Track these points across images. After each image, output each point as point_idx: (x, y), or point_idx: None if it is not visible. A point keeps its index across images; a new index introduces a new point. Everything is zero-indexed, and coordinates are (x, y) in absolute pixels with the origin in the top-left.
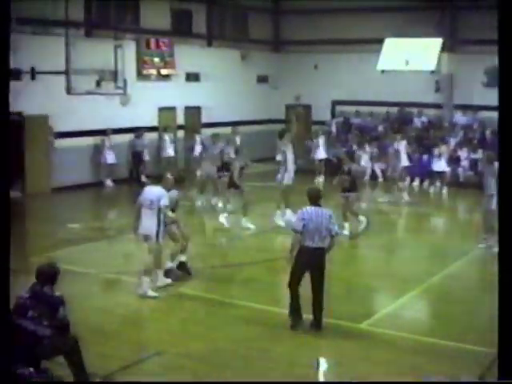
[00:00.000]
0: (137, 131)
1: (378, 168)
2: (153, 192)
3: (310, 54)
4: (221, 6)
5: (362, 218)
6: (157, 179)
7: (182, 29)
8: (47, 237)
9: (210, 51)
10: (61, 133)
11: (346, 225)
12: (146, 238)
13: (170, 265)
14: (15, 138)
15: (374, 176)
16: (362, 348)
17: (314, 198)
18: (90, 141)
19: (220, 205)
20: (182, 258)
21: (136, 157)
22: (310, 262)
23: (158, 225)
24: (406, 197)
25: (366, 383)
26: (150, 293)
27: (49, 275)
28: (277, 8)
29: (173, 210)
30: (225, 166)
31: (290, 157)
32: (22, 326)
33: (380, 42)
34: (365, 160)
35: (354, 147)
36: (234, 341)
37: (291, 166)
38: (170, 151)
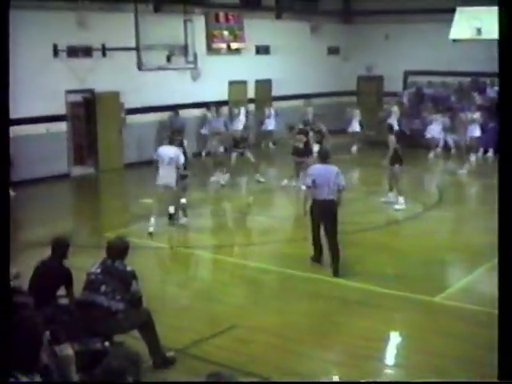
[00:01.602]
0: (174, 109)
1: (450, 139)
2: (170, 151)
3: (381, 24)
4: None
5: (402, 200)
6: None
7: (251, 2)
8: (121, 212)
9: (279, 24)
10: (132, 109)
11: (401, 199)
12: (166, 187)
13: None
14: (87, 115)
15: (446, 147)
16: (436, 322)
17: (323, 156)
18: (161, 116)
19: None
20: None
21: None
22: (321, 212)
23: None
24: (466, 168)
25: (366, 383)
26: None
27: (119, 249)
28: None
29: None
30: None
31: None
32: (96, 302)
33: (451, 11)
34: (437, 131)
35: (427, 118)
36: (308, 315)
37: None
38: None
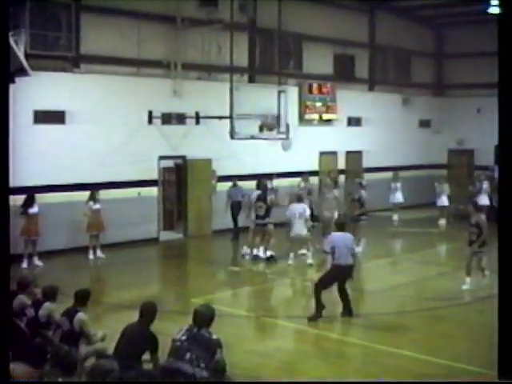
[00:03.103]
0: (233, 180)
1: None
2: (299, 207)
3: (473, 97)
4: (383, 50)
5: (487, 272)
6: None
7: (344, 73)
8: (208, 279)
9: (371, 95)
10: (222, 176)
11: (468, 279)
12: (298, 236)
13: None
14: (178, 181)
15: None
16: None
17: (339, 226)
18: (251, 185)
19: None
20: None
21: (234, 207)
22: (341, 275)
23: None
24: None
25: (366, 383)
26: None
27: (206, 317)
28: (439, 51)
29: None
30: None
31: None
32: (180, 369)
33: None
34: None
35: None
36: None
37: None
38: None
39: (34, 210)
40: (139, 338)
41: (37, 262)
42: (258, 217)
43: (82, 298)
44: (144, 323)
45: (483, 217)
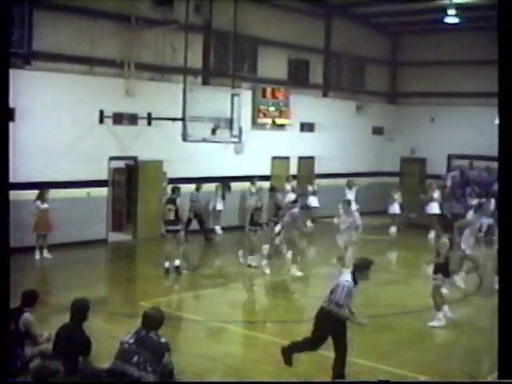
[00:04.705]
0: (198, 182)
1: (485, 224)
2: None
3: (427, 106)
4: (338, 56)
5: (440, 316)
6: None
7: (298, 78)
8: (156, 282)
9: (325, 101)
10: (174, 179)
11: (440, 315)
12: None
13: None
14: (129, 182)
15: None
16: None
17: (354, 267)
18: (202, 188)
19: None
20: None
21: (193, 211)
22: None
23: None
24: None
25: (365, 383)
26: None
27: (155, 320)
28: (394, 59)
29: None
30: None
31: None
32: (127, 372)
33: (497, 94)
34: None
35: (470, 203)
36: None
37: None
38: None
39: None
40: (72, 339)
41: None
42: (167, 222)
43: (30, 299)
44: (76, 323)
45: (445, 241)
